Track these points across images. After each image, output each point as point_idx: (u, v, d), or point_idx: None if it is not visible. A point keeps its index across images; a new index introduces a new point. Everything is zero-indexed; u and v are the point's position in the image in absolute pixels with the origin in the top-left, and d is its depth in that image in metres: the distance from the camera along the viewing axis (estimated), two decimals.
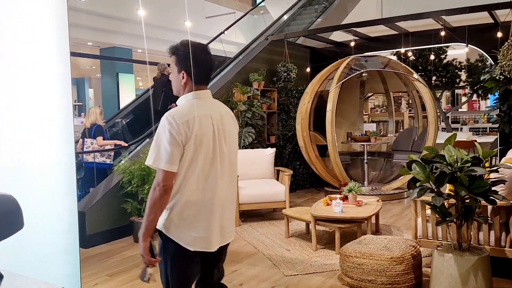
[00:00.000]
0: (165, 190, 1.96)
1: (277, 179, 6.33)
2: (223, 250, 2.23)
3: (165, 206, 2.01)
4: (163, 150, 1.94)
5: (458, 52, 11.65)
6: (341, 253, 3.67)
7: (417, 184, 3.19)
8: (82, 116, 14.29)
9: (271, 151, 6.37)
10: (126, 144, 6.27)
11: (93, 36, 11.63)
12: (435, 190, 3.18)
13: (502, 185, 3.29)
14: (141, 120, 7.78)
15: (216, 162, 2.05)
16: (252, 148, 6.63)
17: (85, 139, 6.05)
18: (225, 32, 11.59)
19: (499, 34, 6.75)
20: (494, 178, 3.22)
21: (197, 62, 2.03)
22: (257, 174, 6.26)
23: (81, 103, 16.13)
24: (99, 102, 14.11)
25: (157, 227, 2.08)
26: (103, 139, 6.02)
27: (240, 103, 6.55)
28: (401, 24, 8.18)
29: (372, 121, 12.34)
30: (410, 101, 12.06)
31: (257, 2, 14.99)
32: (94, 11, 10.80)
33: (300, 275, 3.93)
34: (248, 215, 6.20)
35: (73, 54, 12.34)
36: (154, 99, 7.12)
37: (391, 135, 8.87)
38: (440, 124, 12.44)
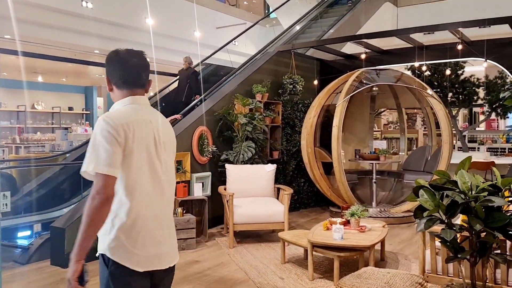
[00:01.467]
0: (107, 199, 1.72)
1: (278, 198, 5.92)
2: (173, 269, 2.02)
3: (105, 218, 1.76)
4: (102, 153, 1.75)
5: (476, 68, 11.16)
6: (338, 287, 3.23)
7: (425, 214, 2.76)
8: (86, 125, 14.12)
9: (271, 168, 5.96)
10: (180, 117, 6.24)
11: (100, 44, 11.46)
12: (446, 221, 2.74)
13: None
14: None
15: (158, 172, 1.91)
16: (252, 163, 6.24)
17: None
18: (236, 43, 11.34)
19: None
20: None
21: (123, 66, 1.92)
22: (256, 192, 5.85)
23: (88, 112, 15.98)
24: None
25: (99, 251, 1.84)
26: None
27: (241, 116, 6.19)
28: (416, 37, 7.79)
29: (385, 138, 11.88)
30: (425, 118, 11.59)
31: (269, 13, 14.72)
32: (102, 19, 10.64)
33: None
34: (244, 236, 5.78)
35: (80, 62, 12.30)
36: (178, 91, 7.29)
37: (403, 153, 8.39)
38: (456, 143, 11.91)
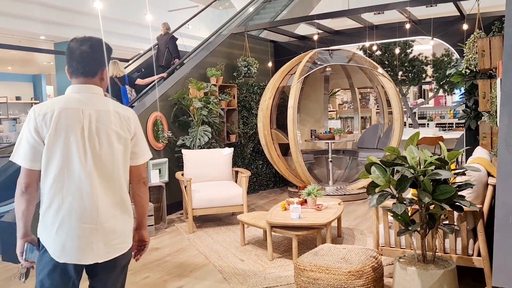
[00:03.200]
0: (24, 189, 1.84)
1: (236, 181, 5.92)
2: (112, 265, 1.97)
3: (24, 207, 1.87)
4: (22, 145, 1.84)
5: (424, 47, 11.53)
6: (296, 266, 3.29)
7: (377, 190, 2.83)
8: None
9: (228, 151, 5.94)
10: (165, 75, 6.92)
11: (46, 30, 10.90)
12: (397, 196, 2.83)
13: (470, 188, 2.97)
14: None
15: (83, 162, 1.84)
16: (209, 148, 6.19)
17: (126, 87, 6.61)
18: (189, 26, 11.09)
19: (465, 27, 6.54)
20: (461, 182, 2.90)
21: (71, 55, 1.93)
22: (214, 176, 5.82)
23: (37, 101, 15.26)
24: None
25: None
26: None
27: (196, 100, 6.10)
28: (367, 17, 7.91)
29: (340, 118, 12.11)
30: (377, 97, 11.88)
31: None
32: (46, 3, 10.10)
33: None
34: (204, 220, 5.77)
35: (26, 49, 11.65)
36: (158, 56, 7.71)
37: (357, 132, 8.59)
38: (407, 120, 12.33)
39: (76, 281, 1.93)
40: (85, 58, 1.91)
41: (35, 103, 15.06)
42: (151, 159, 5.74)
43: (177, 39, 7.79)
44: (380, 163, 2.89)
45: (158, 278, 3.87)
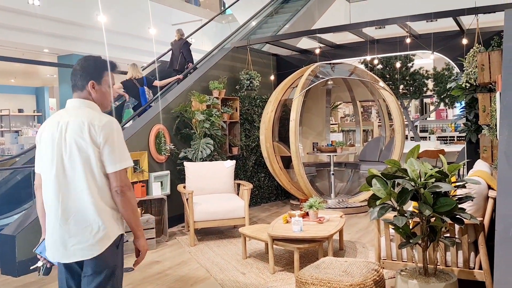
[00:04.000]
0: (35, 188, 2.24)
1: (238, 194, 5.93)
2: (86, 270, 2.10)
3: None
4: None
5: (425, 61, 11.61)
6: (297, 279, 3.28)
7: (378, 202, 2.85)
8: (38, 127, 13.57)
9: (230, 164, 5.96)
10: (181, 77, 7.30)
11: (49, 43, 11.02)
12: (398, 208, 2.84)
13: (470, 201, 2.98)
14: None
15: (52, 171, 2.07)
16: (211, 160, 6.21)
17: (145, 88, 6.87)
18: (192, 39, 11.21)
19: (465, 41, 6.60)
20: (461, 194, 2.91)
21: (71, 73, 2.19)
22: (216, 189, 5.83)
23: (40, 114, 15.36)
24: None
25: None
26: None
27: (198, 113, 6.14)
28: (368, 32, 8.00)
29: (342, 131, 12.14)
30: (379, 110, 11.89)
31: (225, 9, 14.66)
32: (50, 16, 10.23)
33: None
34: (205, 233, 5.77)
35: (29, 61, 11.77)
36: (172, 61, 8.02)
37: (359, 145, 8.61)
38: (408, 133, 12.35)
39: (70, 280, 2.15)
40: (74, 74, 2.17)
41: (38, 115, 15.22)
42: (153, 171, 5.80)
43: (190, 44, 8.08)
44: (381, 175, 2.90)
45: None
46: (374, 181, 2.91)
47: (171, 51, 8.14)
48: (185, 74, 7.44)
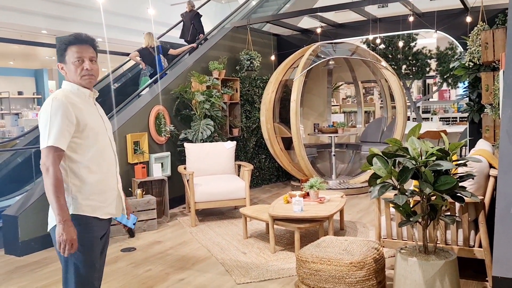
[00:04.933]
0: None
1: (239, 175, 5.92)
2: None
3: None
4: None
5: (428, 40, 11.46)
6: (298, 258, 3.30)
7: (378, 181, 2.83)
8: (38, 109, 13.55)
9: (231, 145, 5.94)
10: (196, 45, 7.46)
11: (47, 24, 10.90)
12: (398, 187, 2.82)
13: (471, 180, 2.96)
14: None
15: None
16: (211, 141, 6.19)
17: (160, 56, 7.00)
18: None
19: (469, 19, 6.49)
20: (462, 173, 2.89)
21: None
22: (216, 170, 5.83)
23: (40, 96, 15.30)
24: None
25: None
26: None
27: (198, 94, 6.09)
28: (370, 10, 7.87)
29: (343, 112, 12.08)
30: (381, 91, 11.78)
31: None
32: None
33: (253, 282, 3.55)
34: (206, 214, 5.79)
35: (28, 43, 11.65)
36: (183, 32, 8.22)
37: (360, 126, 8.57)
38: (411, 114, 12.28)
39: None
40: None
41: (38, 98, 15.16)
42: (153, 152, 5.79)
43: (201, 16, 8.25)
44: (381, 154, 2.88)
45: (161, 271, 3.89)
46: (375, 160, 2.88)
47: (182, 23, 8.39)
48: (197, 44, 7.60)
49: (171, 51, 7.28)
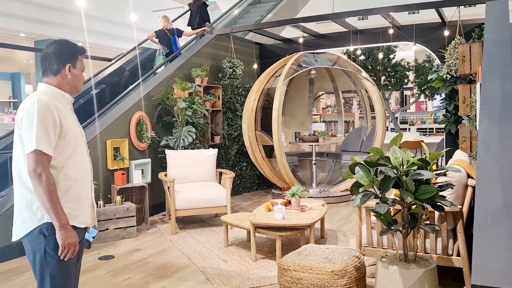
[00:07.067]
0: None
1: (220, 182, 5.90)
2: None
3: None
4: None
5: (406, 53, 11.74)
6: (279, 266, 3.30)
7: (360, 190, 2.86)
8: (14, 113, 13.24)
9: (212, 152, 5.92)
10: (207, 28, 8.02)
11: (26, 27, 10.70)
12: (380, 196, 2.86)
13: (450, 189, 3.02)
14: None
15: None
16: (193, 149, 6.16)
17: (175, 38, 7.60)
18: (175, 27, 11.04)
19: (446, 33, 6.68)
20: (442, 182, 2.95)
21: (43, 56, 2.17)
22: (198, 177, 5.79)
23: (16, 100, 14.96)
24: None
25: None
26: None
27: (180, 100, 6.07)
28: (351, 22, 8.01)
29: (323, 121, 12.21)
30: (360, 102, 11.95)
31: None
32: (28, 0, 9.94)
33: None
34: (187, 222, 5.74)
35: (5, 46, 11.41)
36: (191, 20, 8.58)
37: (340, 135, 8.66)
38: (389, 124, 12.50)
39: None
40: (47, 58, 2.13)
41: (14, 102, 14.81)
42: (134, 159, 5.73)
43: (208, 5, 8.70)
44: (364, 163, 2.92)
45: (140, 279, 3.83)
46: (357, 168, 2.92)
47: (189, 12, 8.82)
48: (200, 32, 8.02)
49: (185, 33, 7.83)
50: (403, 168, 2.81)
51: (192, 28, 8.36)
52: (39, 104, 1.98)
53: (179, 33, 7.70)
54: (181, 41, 8.00)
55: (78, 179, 2.11)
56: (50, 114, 1.99)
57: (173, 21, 9.78)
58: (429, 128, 13.06)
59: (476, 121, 4.57)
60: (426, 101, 15.06)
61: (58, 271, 2.06)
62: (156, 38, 7.57)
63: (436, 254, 3.35)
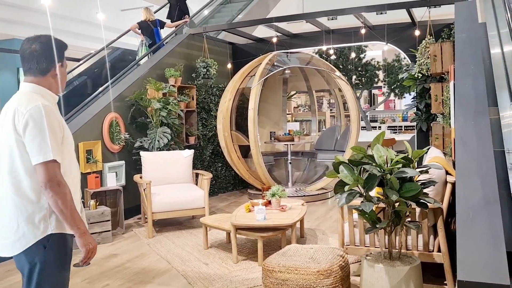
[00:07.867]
0: None
1: (197, 184, 5.81)
2: (17, 267, 2.00)
3: None
4: None
5: (376, 52, 11.94)
6: (264, 267, 3.26)
7: (346, 189, 2.86)
8: None
9: (188, 153, 5.83)
10: (188, 20, 8.23)
11: None
12: (364, 194, 2.87)
13: (432, 186, 3.07)
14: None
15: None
16: (168, 150, 6.04)
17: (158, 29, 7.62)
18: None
19: (417, 33, 6.82)
20: (424, 180, 2.99)
21: (22, 55, 2.00)
22: (174, 179, 5.69)
23: None
24: None
25: None
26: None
27: (154, 101, 5.94)
28: (324, 22, 8.07)
29: (296, 121, 12.27)
30: (332, 100, 12.09)
31: None
32: None
33: None
34: (164, 225, 5.62)
35: None
36: (170, 12, 8.52)
37: (314, 134, 8.72)
38: (360, 123, 12.71)
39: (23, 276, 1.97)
40: (33, 56, 1.96)
41: None
42: (107, 161, 5.56)
43: None
44: (348, 162, 2.92)
45: (119, 286, 3.71)
46: (341, 167, 2.92)
47: (169, 4, 8.78)
48: (181, 23, 8.17)
49: (168, 24, 7.90)
50: (387, 166, 2.83)
51: (171, 21, 8.36)
52: (46, 110, 1.86)
53: (162, 24, 7.78)
54: (163, 33, 7.96)
55: (71, 185, 1.99)
56: (56, 119, 1.89)
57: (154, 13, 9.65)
58: (399, 126, 13.36)
59: (450, 119, 4.68)
60: (394, 100, 15.40)
61: (58, 283, 1.98)
62: (139, 29, 7.62)
63: (418, 251, 3.39)
